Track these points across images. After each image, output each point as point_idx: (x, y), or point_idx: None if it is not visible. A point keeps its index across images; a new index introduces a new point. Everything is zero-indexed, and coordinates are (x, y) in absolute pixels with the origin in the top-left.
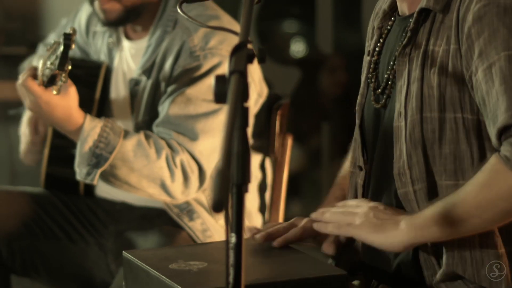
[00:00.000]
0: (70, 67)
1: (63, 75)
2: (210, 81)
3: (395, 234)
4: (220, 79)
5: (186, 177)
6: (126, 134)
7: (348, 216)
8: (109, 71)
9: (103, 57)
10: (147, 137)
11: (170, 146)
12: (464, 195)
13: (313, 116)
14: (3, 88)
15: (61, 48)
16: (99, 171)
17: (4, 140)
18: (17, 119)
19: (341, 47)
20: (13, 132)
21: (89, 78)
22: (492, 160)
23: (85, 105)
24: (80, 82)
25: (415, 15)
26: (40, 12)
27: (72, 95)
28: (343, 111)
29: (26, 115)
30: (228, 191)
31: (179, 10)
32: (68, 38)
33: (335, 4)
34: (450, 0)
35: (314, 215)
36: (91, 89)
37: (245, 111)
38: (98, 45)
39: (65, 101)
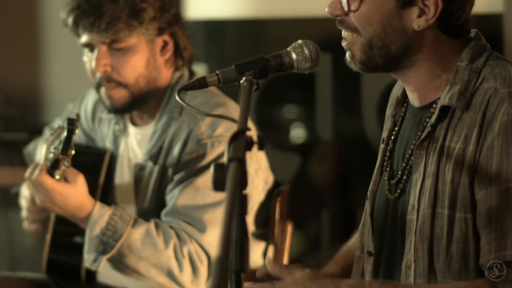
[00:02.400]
0: (73, 152)
1: (66, 159)
2: None
3: None
4: (218, 167)
5: (194, 267)
6: (135, 222)
7: None
8: (113, 158)
9: (108, 143)
10: (156, 226)
11: (178, 236)
12: None
13: (313, 202)
14: (3, 174)
15: (65, 133)
16: (105, 258)
17: (4, 225)
18: (17, 205)
19: (341, 134)
20: (13, 217)
21: (93, 164)
22: (481, 282)
23: (89, 191)
24: (84, 168)
25: (437, 111)
26: (40, 99)
27: (81, 183)
28: (343, 197)
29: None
30: (227, 278)
31: (177, 98)
32: (71, 124)
33: (334, 90)
34: (471, 97)
35: None
36: (95, 175)
37: (244, 198)
38: (104, 132)
39: (76, 190)
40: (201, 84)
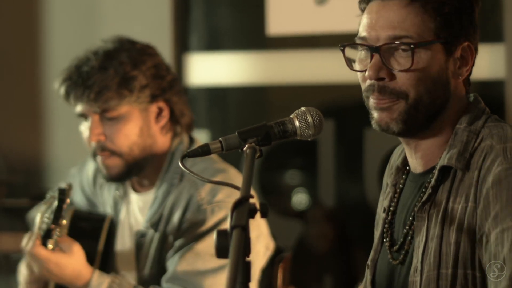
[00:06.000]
0: (64, 222)
1: (58, 229)
2: None
3: None
4: (221, 234)
5: None
6: None
7: None
8: (113, 224)
9: (109, 209)
10: None
11: None
12: None
13: (315, 268)
14: (6, 240)
15: (56, 203)
16: None
17: None
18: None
19: (343, 200)
20: (14, 283)
21: (92, 230)
22: None
23: (88, 257)
24: (83, 234)
25: (436, 172)
26: (42, 165)
27: (77, 252)
28: (345, 263)
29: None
30: None
31: (180, 165)
32: (62, 193)
33: (337, 156)
34: (470, 157)
35: None
36: (94, 241)
37: (247, 265)
38: (105, 197)
39: (73, 259)
40: (205, 151)
